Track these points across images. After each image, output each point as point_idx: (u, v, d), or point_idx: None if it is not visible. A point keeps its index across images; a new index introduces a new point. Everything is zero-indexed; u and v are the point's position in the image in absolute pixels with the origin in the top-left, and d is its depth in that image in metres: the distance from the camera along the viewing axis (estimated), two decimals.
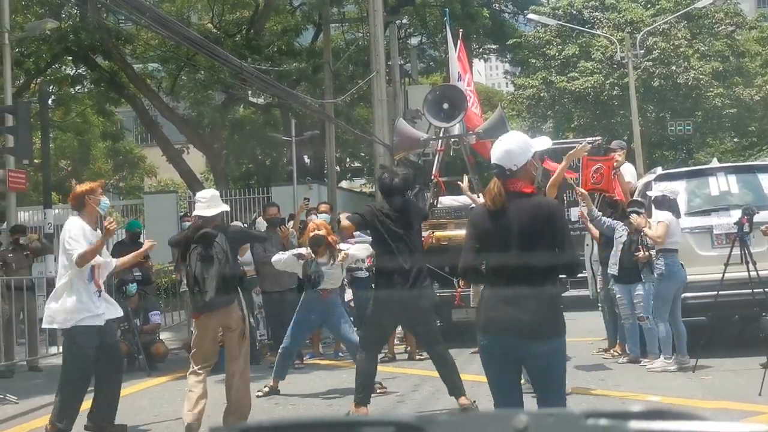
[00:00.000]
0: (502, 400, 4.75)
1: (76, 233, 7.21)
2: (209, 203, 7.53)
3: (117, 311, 7.76)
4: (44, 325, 8.02)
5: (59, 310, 7.29)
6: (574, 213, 14.03)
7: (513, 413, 1.18)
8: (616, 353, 10.60)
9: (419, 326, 8.00)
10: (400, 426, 1.22)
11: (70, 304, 7.22)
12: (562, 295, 9.76)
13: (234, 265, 7.64)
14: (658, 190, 10.09)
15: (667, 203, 9.85)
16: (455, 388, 7.60)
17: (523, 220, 4.64)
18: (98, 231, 7.49)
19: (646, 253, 9.70)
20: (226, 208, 7.78)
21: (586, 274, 12.74)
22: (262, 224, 13.24)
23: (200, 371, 7.52)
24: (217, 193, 8.00)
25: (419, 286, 7.61)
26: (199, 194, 7.88)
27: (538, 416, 1.24)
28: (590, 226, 10.51)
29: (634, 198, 10.53)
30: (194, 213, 7.87)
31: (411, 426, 1.22)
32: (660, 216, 9.67)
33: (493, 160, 4.77)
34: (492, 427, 1.25)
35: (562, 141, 15.06)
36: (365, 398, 7.63)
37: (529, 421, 1.16)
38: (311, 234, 8.97)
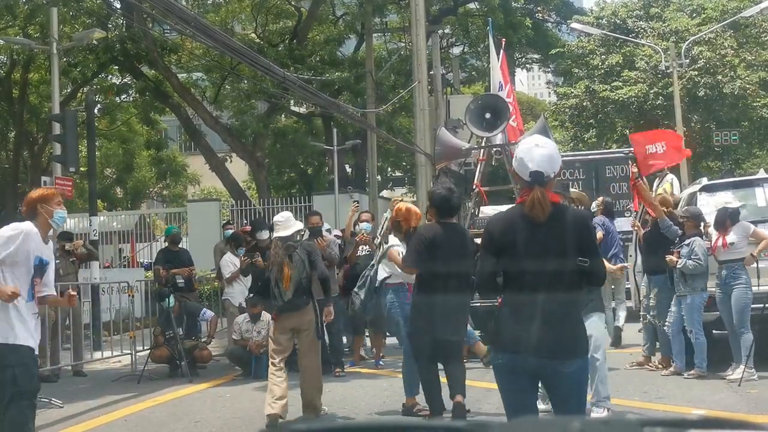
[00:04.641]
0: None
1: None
2: (284, 225, 8.55)
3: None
4: None
5: None
6: (619, 223, 13.92)
7: (568, 420, 1.17)
8: (659, 366, 10.46)
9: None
10: (451, 431, 1.21)
11: None
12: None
13: (311, 274, 8.42)
14: (730, 202, 10.02)
15: (739, 214, 9.81)
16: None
17: (562, 231, 4.42)
18: (50, 244, 6.72)
19: (674, 259, 9.61)
20: (300, 226, 8.82)
21: (628, 285, 12.62)
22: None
23: (279, 364, 8.38)
24: (290, 214, 8.92)
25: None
26: (275, 218, 8.85)
27: (593, 423, 1.22)
28: (641, 233, 10.53)
29: (681, 211, 10.40)
30: (274, 236, 8.80)
31: (462, 431, 1.21)
32: (749, 226, 9.70)
33: (531, 167, 4.40)
34: None
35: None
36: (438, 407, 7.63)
37: (583, 428, 1.14)
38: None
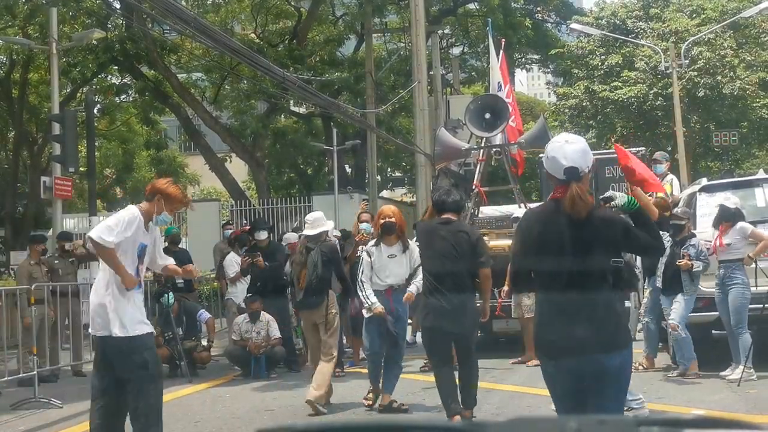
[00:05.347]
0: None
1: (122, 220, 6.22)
2: (312, 224, 9.12)
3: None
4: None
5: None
6: None
7: (564, 419, 1.17)
8: (641, 366, 10.40)
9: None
10: (449, 430, 1.21)
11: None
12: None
13: (324, 274, 8.92)
14: (731, 202, 10.01)
15: (741, 215, 9.79)
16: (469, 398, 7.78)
17: (600, 227, 4.35)
18: (152, 229, 6.62)
19: (689, 262, 9.62)
20: (329, 226, 9.37)
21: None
22: (291, 237, 13.27)
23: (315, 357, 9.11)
24: (321, 215, 9.50)
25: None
26: (306, 217, 9.59)
27: (590, 422, 1.22)
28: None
29: (678, 211, 10.39)
30: (302, 233, 9.56)
31: (460, 430, 1.21)
32: (747, 227, 9.70)
33: (566, 164, 4.35)
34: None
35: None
36: (454, 408, 7.71)
37: (579, 427, 1.14)
38: (381, 221, 8.59)
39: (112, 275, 6.25)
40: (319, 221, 9.22)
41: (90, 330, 6.52)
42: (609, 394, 4.43)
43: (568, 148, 4.42)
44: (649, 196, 10.27)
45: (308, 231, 9.16)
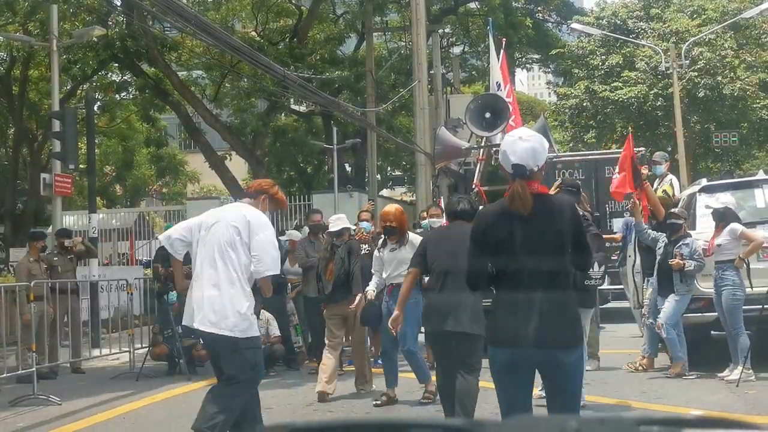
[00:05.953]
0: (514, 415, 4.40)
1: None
2: (334, 223, 9.91)
3: None
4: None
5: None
6: (617, 224, 13.94)
7: (563, 418, 1.17)
8: (639, 367, 10.40)
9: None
10: (448, 429, 1.21)
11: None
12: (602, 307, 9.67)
13: (349, 270, 9.47)
14: (719, 202, 9.98)
15: (732, 215, 9.77)
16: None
17: (551, 222, 4.38)
18: None
19: (681, 262, 9.62)
20: (347, 225, 10.05)
21: (622, 286, 12.65)
22: (293, 235, 13.29)
23: (330, 349, 9.49)
24: (344, 216, 10.41)
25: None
26: (330, 218, 10.38)
27: (589, 422, 1.22)
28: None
29: (676, 210, 10.40)
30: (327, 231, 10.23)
31: (459, 429, 1.21)
32: (737, 228, 9.64)
33: (513, 160, 4.35)
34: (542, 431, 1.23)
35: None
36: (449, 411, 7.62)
37: (579, 427, 1.14)
38: (382, 225, 8.98)
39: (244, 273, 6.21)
40: (342, 220, 10.05)
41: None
42: (569, 390, 4.48)
43: (519, 145, 4.41)
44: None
45: (331, 227, 9.90)
